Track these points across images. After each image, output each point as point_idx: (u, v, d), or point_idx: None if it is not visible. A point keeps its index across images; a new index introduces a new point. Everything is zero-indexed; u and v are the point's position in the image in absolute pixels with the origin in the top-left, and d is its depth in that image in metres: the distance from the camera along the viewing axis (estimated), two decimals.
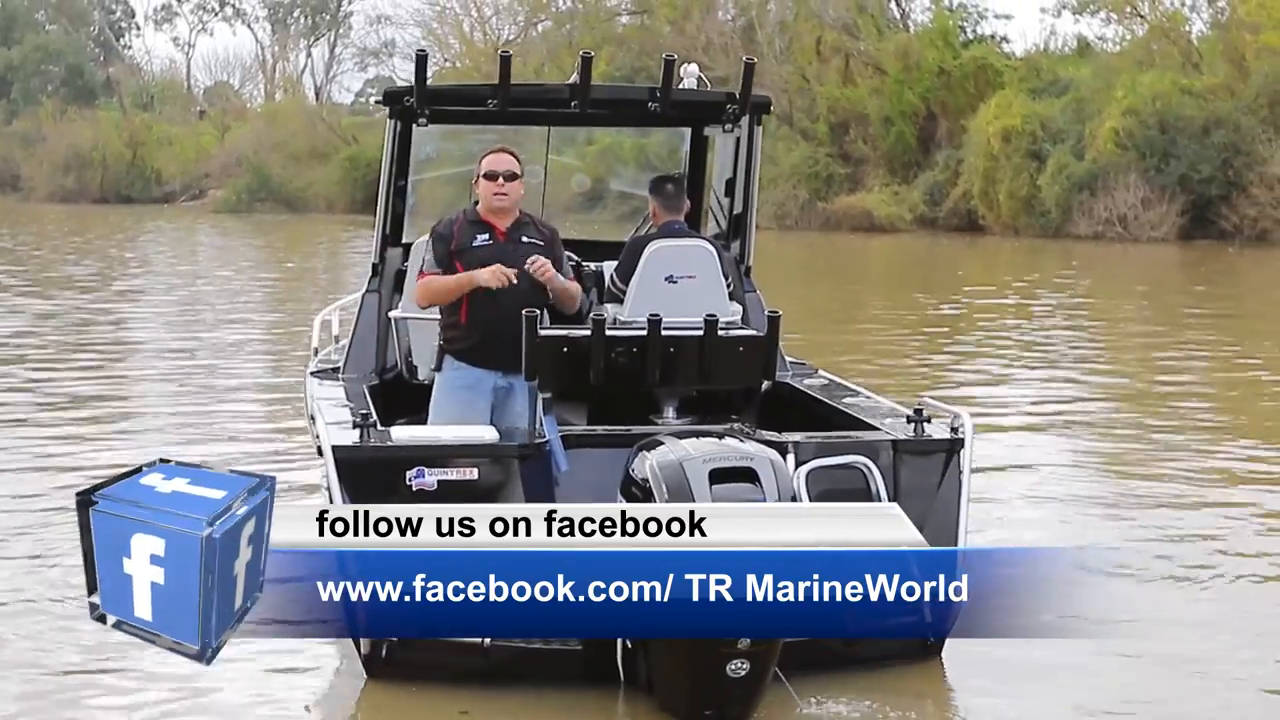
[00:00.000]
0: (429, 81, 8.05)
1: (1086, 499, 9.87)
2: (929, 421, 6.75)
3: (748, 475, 5.66)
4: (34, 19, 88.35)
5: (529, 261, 6.93)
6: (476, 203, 7.15)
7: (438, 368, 7.23)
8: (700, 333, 6.72)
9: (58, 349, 17.40)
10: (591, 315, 6.88)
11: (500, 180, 7.01)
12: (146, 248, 40.22)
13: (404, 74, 71.76)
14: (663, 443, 5.92)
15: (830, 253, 36.58)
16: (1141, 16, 43.05)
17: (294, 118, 68.91)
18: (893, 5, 48.06)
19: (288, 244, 43.12)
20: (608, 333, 6.69)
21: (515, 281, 6.89)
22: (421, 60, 7.91)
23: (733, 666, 5.55)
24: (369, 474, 6.23)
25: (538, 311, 6.72)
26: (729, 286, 7.64)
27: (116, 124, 73.95)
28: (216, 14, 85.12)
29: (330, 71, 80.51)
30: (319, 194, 61.84)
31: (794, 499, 5.74)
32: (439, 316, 7.24)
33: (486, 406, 6.99)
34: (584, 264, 8.54)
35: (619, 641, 5.89)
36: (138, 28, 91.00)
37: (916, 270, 32.46)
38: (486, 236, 7.04)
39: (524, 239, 7.07)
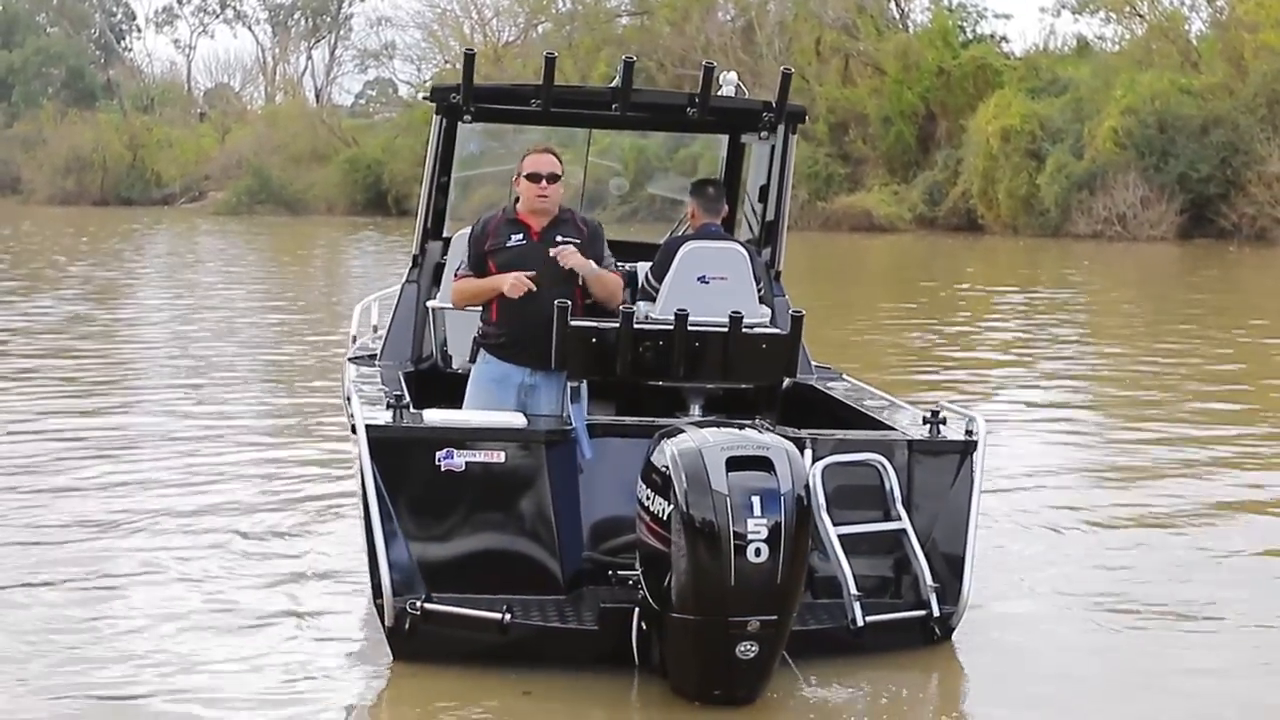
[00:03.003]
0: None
1: (1093, 492, 9.99)
2: (944, 423, 6.87)
3: (763, 464, 5.77)
4: (35, 22, 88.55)
5: (555, 251, 6.98)
6: (517, 200, 7.20)
7: (472, 360, 7.36)
8: (725, 329, 6.84)
9: (77, 350, 17.51)
10: (621, 308, 6.97)
11: (543, 182, 7.03)
12: (153, 250, 40.34)
13: (404, 76, 72.12)
14: (683, 431, 6.02)
15: (830, 253, 36.72)
16: (1141, 16, 43.20)
17: (294, 120, 69.13)
18: (892, 5, 48.21)
19: (292, 246, 43.22)
20: (635, 326, 6.81)
21: (534, 289, 6.94)
22: (469, 59, 8.04)
23: (742, 649, 5.66)
24: (399, 453, 6.35)
25: (569, 302, 6.82)
26: (760, 290, 7.77)
27: (117, 126, 74.16)
28: (217, 16, 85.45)
29: (331, 73, 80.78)
30: (319, 196, 62.02)
31: (808, 489, 5.85)
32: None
33: (512, 400, 7.08)
34: (619, 264, 8.67)
35: (634, 623, 6.02)
36: (138, 30, 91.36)
37: (917, 270, 32.59)
38: (520, 236, 7.08)
39: (559, 238, 7.09)
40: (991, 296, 24.69)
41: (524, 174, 7.07)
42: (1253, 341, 18.76)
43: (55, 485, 9.71)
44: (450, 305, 7.86)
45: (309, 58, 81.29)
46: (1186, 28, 42.63)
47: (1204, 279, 28.90)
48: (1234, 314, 22.03)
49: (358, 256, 38.45)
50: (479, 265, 7.12)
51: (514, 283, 6.96)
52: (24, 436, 11.45)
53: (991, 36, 47.06)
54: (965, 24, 46.79)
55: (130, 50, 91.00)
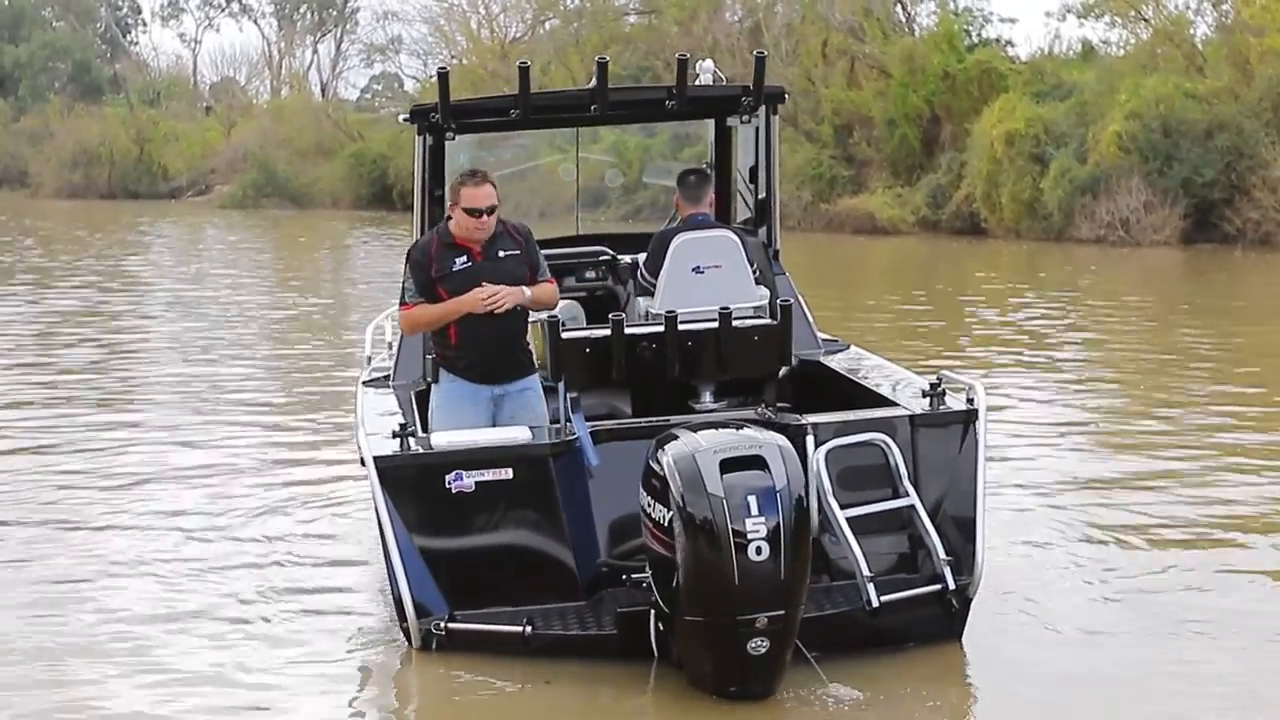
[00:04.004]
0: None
1: (1099, 481, 10.11)
2: (944, 395, 6.97)
3: (757, 463, 5.88)
4: (41, 16, 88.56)
5: (487, 302, 7.08)
6: (449, 219, 7.32)
7: (433, 379, 7.43)
8: (715, 325, 6.95)
9: (90, 353, 17.59)
10: (611, 316, 7.10)
11: (482, 216, 7.14)
12: (163, 244, 40.39)
13: (410, 70, 72.14)
14: (678, 436, 6.13)
15: (833, 255, 36.76)
16: (1145, 20, 43.19)
17: (300, 114, 69.08)
18: (898, 9, 48.23)
19: (300, 240, 43.25)
20: (627, 331, 6.93)
21: (502, 301, 7.07)
22: (443, 78, 8.16)
23: (753, 645, 5.79)
24: (409, 481, 6.48)
25: (558, 316, 6.96)
26: (755, 273, 7.88)
27: (123, 120, 74.16)
28: (223, 10, 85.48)
29: (336, 68, 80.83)
30: (324, 190, 62.01)
31: (805, 483, 5.96)
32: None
33: (485, 415, 7.23)
34: (619, 257, 8.78)
35: (651, 624, 6.15)
36: (144, 24, 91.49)
37: (921, 272, 32.64)
38: (465, 259, 7.19)
39: (500, 253, 7.24)
40: (997, 299, 24.74)
41: (461, 206, 7.11)
42: (1263, 335, 18.90)
43: (59, 487, 9.83)
44: None
45: (315, 52, 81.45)
46: (1191, 32, 42.58)
47: (1214, 282, 28.94)
48: (1249, 316, 22.11)
49: (365, 251, 38.50)
50: (429, 292, 7.17)
51: (487, 296, 7.04)
52: (31, 445, 11.55)
53: (997, 40, 47.00)
54: (971, 28, 46.73)
55: (136, 44, 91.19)
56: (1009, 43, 47.56)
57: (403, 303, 7.32)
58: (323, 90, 78.98)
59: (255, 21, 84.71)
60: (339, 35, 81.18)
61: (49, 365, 15.69)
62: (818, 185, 44.53)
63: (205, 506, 9.44)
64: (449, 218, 7.29)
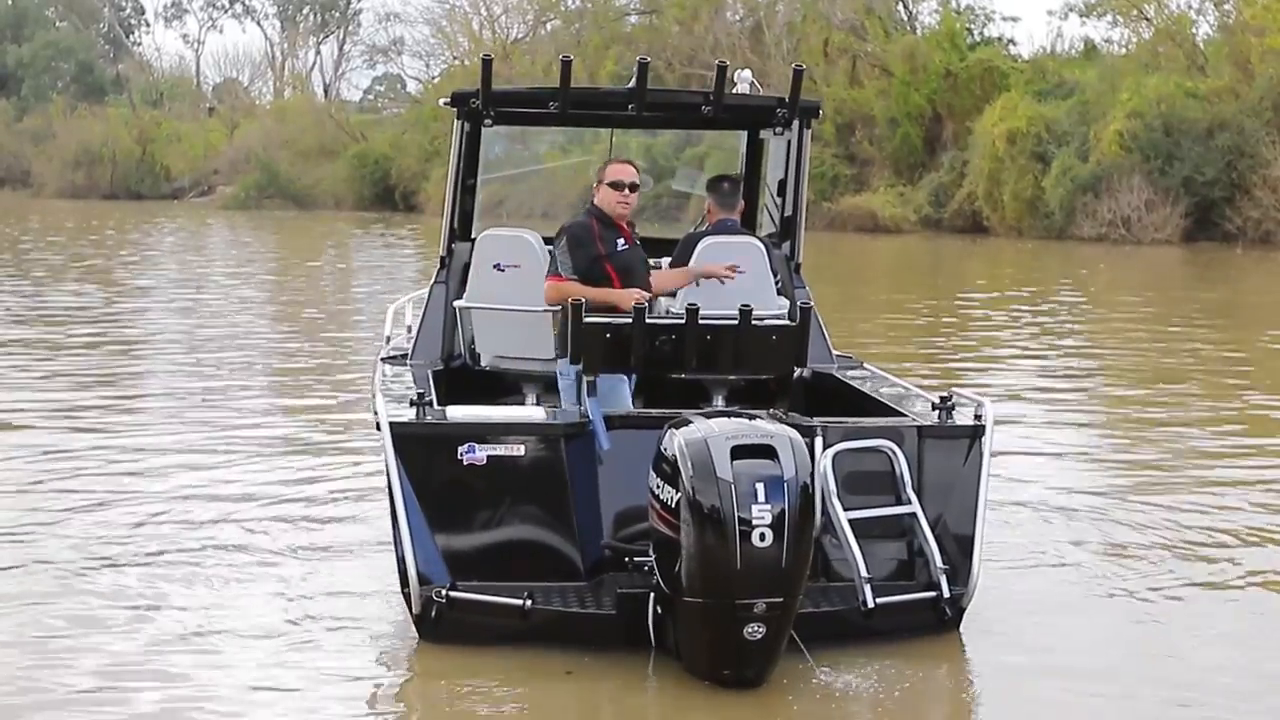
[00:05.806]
0: (432, 80, 8.38)
1: (1096, 485, 10.15)
2: (953, 409, 7.03)
3: (767, 452, 5.94)
4: (44, 15, 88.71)
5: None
6: (591, 201, 7.63)
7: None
8: (735, 322, 7.02)
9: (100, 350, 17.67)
10: (634, 303, 7.19)
11: (626, 190, 7.54)
12: (166, 244, 40.48)
13: (412, 72, 72.26)
14: (691, 422, 6.20)
15: (836, 253, 36.82)
16: (1148, 19, 43.30)
17: (302, 115, 69.27)
18: (900, 7, 48.32)
19: (303, 242, 43.32)
20: (648, 320, 7.00)
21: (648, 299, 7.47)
22: (487, 64, 8.25)
23: (750, 630, 5.85)
24: (422, 448, 6.55)
25: (583, 300, 7.07)
26: (778, 283, 7.95)
27: (126, 120, 74.33)
28: (226, 11, 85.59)
29: (339, 69, 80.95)
30: (327, 191, 62.17)
31: (812, 476, 6.02)
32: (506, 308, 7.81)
33: (629, 394, 7.51)
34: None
35: (650, 607, 6.21)
36: (147, 24, 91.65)
37: (924, 271, 32.71)
38: (623, 241, 7.58)
39: (638, 242, 7.73)
40: (999, 297, 24.81)
41: (606, 182, 7.52)
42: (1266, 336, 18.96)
43: (75, 469, 9.89)
44: (478, 305, 8.10)
45: (317, 53, 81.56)
46: (1193, 31, 42.71)
47: (1219, 281, 29.01)
48: (1253, 317, 22.17)
49: (369, 252, 38.59)
50: (591, 270, 7.49)
51: (638, 298, 7.42)
52: (47, 427, 11.62)
53: (999, 39, 47.17)
54: (973, 26, 46.89)
55: (139, 45, 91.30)
56: (1011, 41, 47.79)
57: (554, 273, 7.58)
58: (325, 91, 79.20)
59: (258, 22, 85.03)
60: (342, 36, 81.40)
61: (53, 360, 15.76)
62: (820, 184, 44.60)
63: (205, 491, 9.48)
64: (591, 200, 7.63)
